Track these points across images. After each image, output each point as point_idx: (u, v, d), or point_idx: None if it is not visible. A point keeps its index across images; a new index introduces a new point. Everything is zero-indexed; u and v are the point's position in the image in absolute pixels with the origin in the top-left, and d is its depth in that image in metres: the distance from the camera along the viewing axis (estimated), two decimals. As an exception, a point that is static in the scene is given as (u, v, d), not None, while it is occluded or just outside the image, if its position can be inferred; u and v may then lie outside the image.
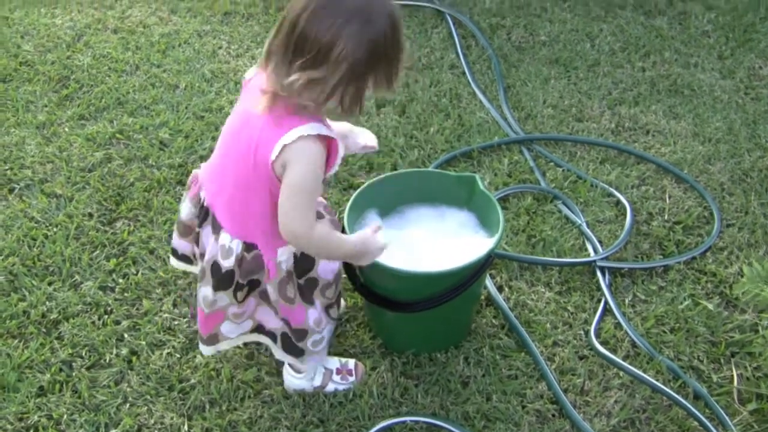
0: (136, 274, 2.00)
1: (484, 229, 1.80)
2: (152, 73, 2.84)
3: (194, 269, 1.73)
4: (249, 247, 1.54)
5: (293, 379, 1.76)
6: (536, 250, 2.06)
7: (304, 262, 1.58)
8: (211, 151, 1.59)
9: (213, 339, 1.66)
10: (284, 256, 1.55)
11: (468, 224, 1.83)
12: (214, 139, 2.30)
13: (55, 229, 2.14)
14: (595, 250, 2.06)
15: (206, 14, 3.21)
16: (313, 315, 1.63)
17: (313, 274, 1.61)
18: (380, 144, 2.36)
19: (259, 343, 1.79)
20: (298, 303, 1.61)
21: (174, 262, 1.76)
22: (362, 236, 1.55)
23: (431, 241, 1.80)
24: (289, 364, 1.74)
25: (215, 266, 1.55)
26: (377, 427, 1.65)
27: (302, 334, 1.64)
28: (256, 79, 1.48)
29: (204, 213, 1.58)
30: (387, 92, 1.44)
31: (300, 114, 1.39)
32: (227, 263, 1.54)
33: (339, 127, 1.59)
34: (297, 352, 1.67)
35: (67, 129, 2.54)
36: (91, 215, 2.18)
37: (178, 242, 1.71)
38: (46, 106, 2.65)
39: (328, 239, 1.51)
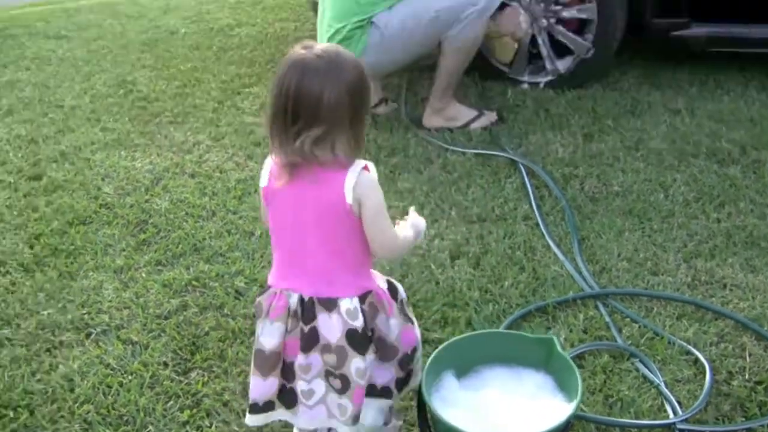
0: (210, 427, 2.03)
1: (562, 393, 1.80)
2: (228, 219, 2.94)
3: (276, 416, 1.76)
4: (363, 297, 1.69)
5: None
6: (613, 411, 2.04)
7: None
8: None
9: (356, 418, 1.71)
10: (384, 285, 1.76)
11: (545, 387, 1.83)
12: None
13: (130, 377, 2.19)
14: (675, 412, 2.03)
15: (283, 160, 3.34)
16: (417, 330, 1.84)
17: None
18: (454, 298, 2.41)
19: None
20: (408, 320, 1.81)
21: (251, 419, 1.75)
22: (413, 221, 1.79)
23: (508, 403, 1.80)
24: None
25: (351, 333, 1.67)
26: None
27: (414, 353, 1.80)
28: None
29: (308, 309, 1.68)
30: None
31: (336, 164, 1.59)
32: (358, 323, 1.67)
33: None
34: (410, 375, 1.82)
35: (144, 274, 2.63)
36: (166, 364, 2.23)
37: (261, 387, 1.72)
38: (124, 250, 2.76)
39: (404, 239, 1.74)
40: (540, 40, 3.80)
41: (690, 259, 2.64)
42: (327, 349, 1.68)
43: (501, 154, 3.27)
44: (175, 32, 5.14)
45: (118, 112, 3.93)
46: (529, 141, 3.39)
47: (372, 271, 1.74)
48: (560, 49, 3.82)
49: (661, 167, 3.18)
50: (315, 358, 1.69)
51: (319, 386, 1.71)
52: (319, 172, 1.59)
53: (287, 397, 1.74)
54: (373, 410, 1.78)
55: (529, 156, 3.27)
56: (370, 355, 1.70)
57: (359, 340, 1.67)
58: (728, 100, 3.74)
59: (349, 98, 1.58)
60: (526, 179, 3.07)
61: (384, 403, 1.80)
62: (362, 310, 1.68)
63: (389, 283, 1.78)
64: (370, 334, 1.70)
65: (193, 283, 2.58)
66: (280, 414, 1.76)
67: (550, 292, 2.47)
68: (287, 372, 1.72)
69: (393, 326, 1.73)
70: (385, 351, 1.74)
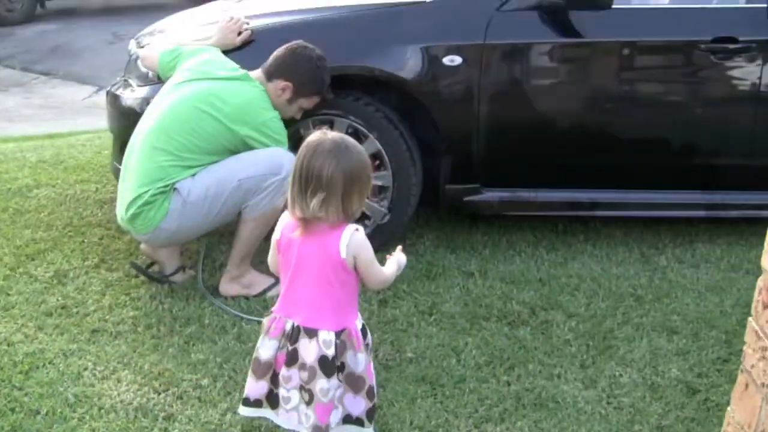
0: None
1: None
2: (13, 396, 2.75)
3: (262, 413, 2.35)
4: (339, 333, 2.22)
5: None
6: None
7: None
8: None
9: (317, 428, 2.23)
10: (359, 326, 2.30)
11: None
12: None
13: None
14: None
15: (74, 331, 3.18)
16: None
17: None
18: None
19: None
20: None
21: (243, 410, 2.37)
22: (397, 258, 2.40)
23: None
24: None
25: (323, 360, 2.20)
26: None
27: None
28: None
29: (295, 333, 2.23)
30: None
31: (338, 224, 2.17)
32: (330, 352, 2.19)
33: None
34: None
35: None
36: None
37: (254, 387, 2.31)
38: None
39: (390, 274, 2.34)
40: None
41: (480, 425, 2.65)
42: (303, 367, 2.21)
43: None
44: (-33, 196, 4.91)
45: None
46: (325, 308, 3.37)
47: (356, 311, 2.31)
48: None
49: (454, 331, 3.22)
50: (294, 372, 2.23)
51: (295, 396, 2.26)
52: (324, 229, 2.18)
53: (272, 400, 2.31)
54: None
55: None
56: (334, 381, 2.21)
57: (328, 365, 2.19)
58: (519, 260, 3.88)
59: (343, 176, 2.13)
60: (320, 348, 3.03)
61: (360, 431, 2.32)
62: (335, 343, 2.20)
63: (363, 326, 2.31)
64: (338, 364, 2.22)
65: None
66: (265, 412, 2.34)
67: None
68: (275, 380, 2.28)
69: (360, 360, 2.25)
70: (355, 382, 2.26)
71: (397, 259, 2.39)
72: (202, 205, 3.24)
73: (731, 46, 3.80)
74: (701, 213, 4.10)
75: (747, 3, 3.93)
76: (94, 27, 11.95)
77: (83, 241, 4.00)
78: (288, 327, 2.24)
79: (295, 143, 3.58)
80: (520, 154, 3.89)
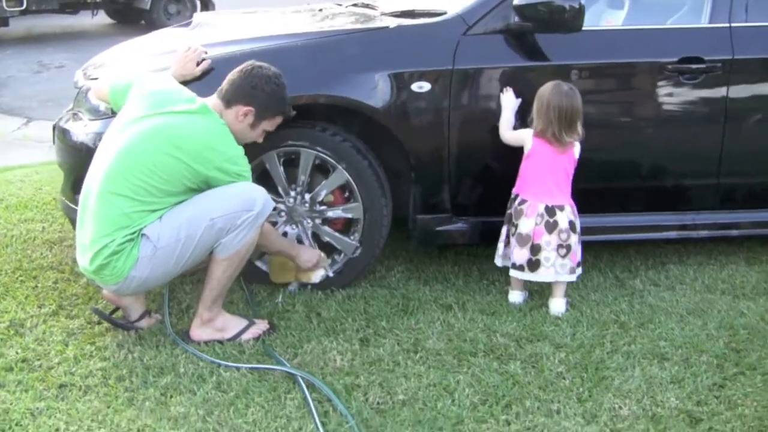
0: None
1: None
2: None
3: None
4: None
5: None
6: None
7: None
8: None
9: None
10: None
11: None
12: None
13: None
14: None
15: (39, 387, 2.95)
16: None
17: None
18: None
19: None
20: None
21: None
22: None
23: None
24: None
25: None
26: None
27: None
28: None
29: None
30: None
31: None
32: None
33: None
34: None
35: None
36: None
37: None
38: None
39: None
40: (306, 242, 3.70)
41: (487, 470, 2.52)
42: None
43: (278, 368, 3.05)
44: None
45: None
46: (304, 350, 3.20)
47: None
48: (327, 249, 3.74)
49: (443, 369, 3.09)
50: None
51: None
52: None
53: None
54: None
55: (306, 367, 3.08)
56: None
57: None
58: (495, 290, 3.79)
59: None
60: (307, 395, 2.86)
61: None
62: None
63: None
64: None
65: None
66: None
67: None
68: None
69: None
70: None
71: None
72: (174, 248, 3.05)
73: (695, 66, 3.77)
74: (673, 234, 4.06)
75: (710, 23, 3.90)
76: (18, 56, 11.53)
77: (36, 286, 3.76)
78: (540, 208, 3.47)
79: (258, 175, 3.46)
80: (493, 181, 3.79)
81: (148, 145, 3.07)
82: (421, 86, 3.60)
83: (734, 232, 4.10)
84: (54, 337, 3.30)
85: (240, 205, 3.10)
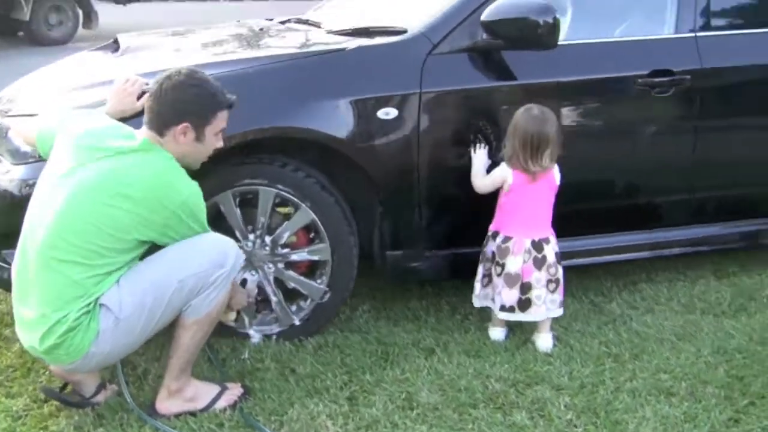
0: None
1: None
2: None
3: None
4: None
5: None
6: None
7: None
8: None
9: None
10: None
11: None
12: None
13: None
14: None
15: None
16: None
17: None
18: None
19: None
20: None
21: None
22: None
23: None
24: None
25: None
26: None
27: None
28: None
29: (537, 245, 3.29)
30: None
31: None
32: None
33: None
34: None
35: None
36: None
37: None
38: None
39: None
40: (269, 290, 3.36)
41: None
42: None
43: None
44: None
45: None
46: (290, 417, 2.85)
47: None
48: (291, 294, 3.41)
49: (446, 427, 2.82)
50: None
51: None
52: None
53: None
54: None
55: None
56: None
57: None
58: (473, 327, 3.54)
59: None
60: (309, 474, 2.54)
61: None
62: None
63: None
64: None
65: None
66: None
67: None
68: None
69: None
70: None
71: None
72: (140, 317, 2.66)
73: (666, 79, 3.62)
74: (645, 254, 3.90)
75: (675, 33, 3.75)
76: None
77: (-41, 361, 3.29)
78: (527, 244, 3.24)
79: (213, 218, 3.10)
80: (468, 212, 3.52)
81: (90, 199, 2.62)
82: (388, 113, 3.31)
83: (704, 248, 3.98)
84: (-4, 423, 2.86)
85: (210, 261, 2.73)
